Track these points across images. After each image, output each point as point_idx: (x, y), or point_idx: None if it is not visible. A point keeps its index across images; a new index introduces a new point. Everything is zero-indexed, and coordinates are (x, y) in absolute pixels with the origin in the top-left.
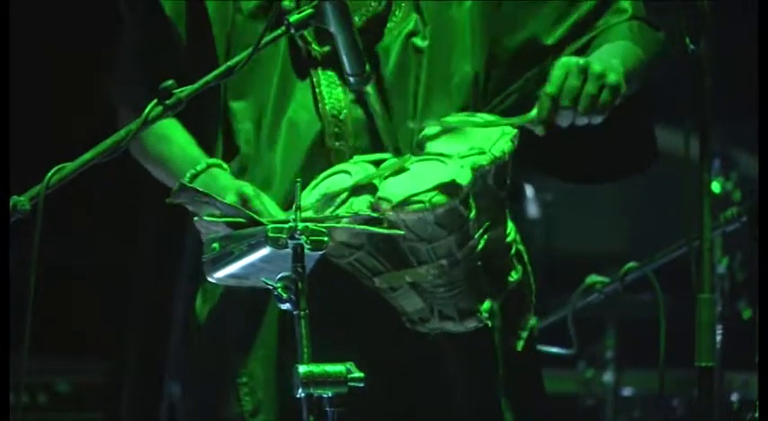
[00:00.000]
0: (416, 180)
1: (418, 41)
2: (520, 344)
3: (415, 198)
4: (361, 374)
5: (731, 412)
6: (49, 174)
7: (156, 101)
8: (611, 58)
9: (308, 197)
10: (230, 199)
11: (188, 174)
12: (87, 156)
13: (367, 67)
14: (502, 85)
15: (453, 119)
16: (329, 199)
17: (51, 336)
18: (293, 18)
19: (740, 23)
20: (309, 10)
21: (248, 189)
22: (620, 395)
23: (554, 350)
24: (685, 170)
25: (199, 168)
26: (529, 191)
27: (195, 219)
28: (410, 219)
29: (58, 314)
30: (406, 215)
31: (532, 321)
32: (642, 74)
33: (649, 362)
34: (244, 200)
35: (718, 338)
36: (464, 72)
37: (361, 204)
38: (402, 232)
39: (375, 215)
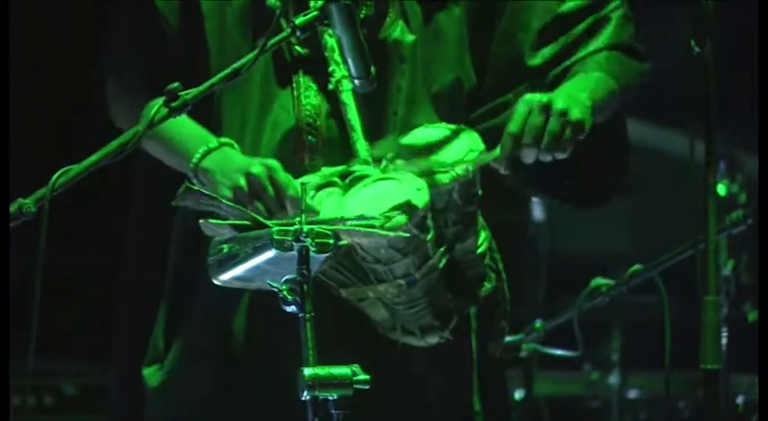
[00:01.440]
0: (374, 201)
1: (402, 48)
2: (496, 350)
3: (369, 221)
4: (367, 377)
5: (737, 415)
6: (55, 176)
7: (161, 103)
8: (579, 91)
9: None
10: (258, 170)
11: (200, 151)
12: (93, 158)
13: (372, 69)
14: (492, 94)
15: (420, 162)
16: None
17: (57, 339)
18: (299, 20)
19: (748, 24)
20: (315, 12)
21: (272, 162)
22: (625, 397)
23: (559, 352)
24: (691, 173)
25: (211, 145)
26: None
27: (201, 221)
28: (363, 242)
29: (65, 316)
30: (359, 238)
31: (537, 325)
32: (612, 104)
33: (655, 364)
34: (270, 171)
35: (724, 341)
36: (446, 80)
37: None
38: (406, 234)
39: (380, 218)
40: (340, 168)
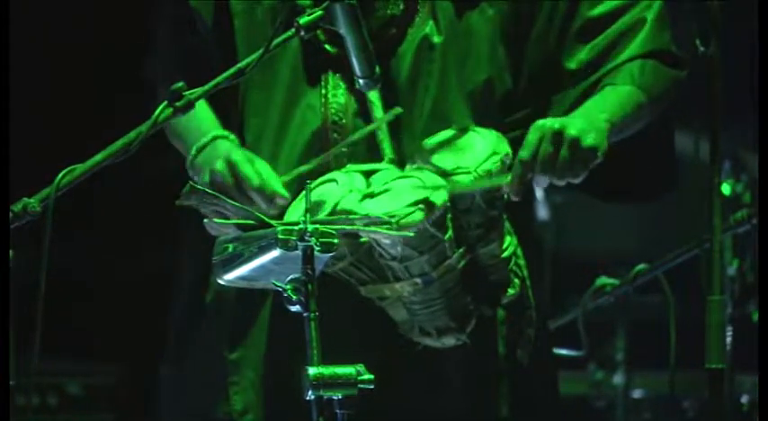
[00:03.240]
0: (393, 198)
1: (432, 48)
2: (524, 358)
3: (382, 218)
4: (371, 376)
5: (741, 414)
6: (59, 175)
7: (165, 102)
8: (598, 112)
9: (300, 205)
10: (219, 166)
11: (194, 148)
12: (98, 157)
13: (377, 69)
14: (530, 98)
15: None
16: (316, 208)
17: (62, 338)
18: (303, 20)
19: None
20: (319, 12)
21: (237, 155)
22: (630, 397)
23: (564, 352)
24: (696, 172)
25: (204, 141)
26: (539, 193)
27: (205, 220)
28: (379, 239)
29: (69, 315)
30: (375, 235)
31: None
32: (641, 118)
33: (660, 363)
34: (231, 166)
35: (729, 340)
36: (478, 80)
37: (344, 194)
38: (411, 234)
39: (387, 218)
40: (365, 166)
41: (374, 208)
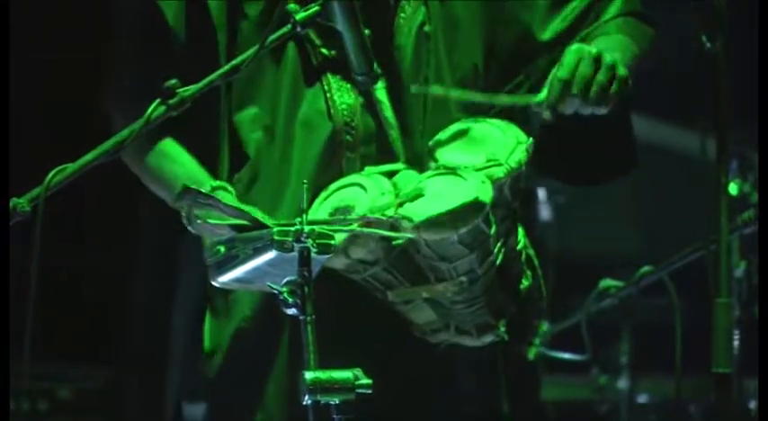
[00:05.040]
0: (437, 198)
1: (428, 37)
2: (532, 352)
3: (438, 218)
4: (369, 381)
5: (749, 419)
6: (50, 175)
7: (158, 100)
8: (612, 51)
9: (320, 209)
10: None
11: None
12: (89, 156)
13: (375, 66)
14: (500, 82)
15: (456, 93)
16: (342, 213)
17: (52, 343)
18: (300, 16)
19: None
20: (316, 7)
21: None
22: (635, 402)
23: (567, 356)
24: (702, 171)
25: (203, 191)
26: (541, 193)
27: (199, 221)
28: (432, 239)
29: (59, 320)
30: (428, 235)
31: (544, 327)
32: (635, 68)
33: (665, 368)
34: None
35: (736, 344)
36: (466, 67)
37: (375, 198)
38: (412, 235)
39: (383, 218)
40: (384, 167)
41: (416, 207)
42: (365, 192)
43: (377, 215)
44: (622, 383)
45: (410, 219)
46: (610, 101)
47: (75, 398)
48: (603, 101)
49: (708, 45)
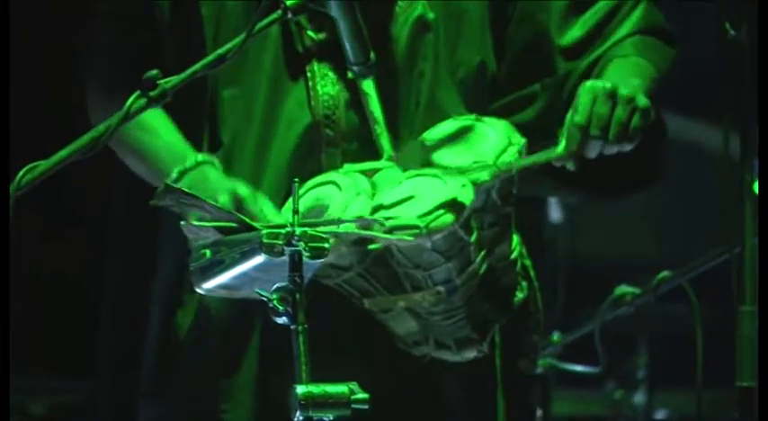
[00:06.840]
0: (413, 200)
1: (428, 28)
2: (529, 368)
3: (410, 222)
4: (366, 395)
5: None
6: (20, 173)
7: (138, 92)
8: (630, 77)
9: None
10: (223, 200)
11: (175, 171)
12: (63, 153)
13: (371, 55)
14: (511, 86)
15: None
16: (317, 213)
17: (24, 356)
18: (290, 1)
19: None
20: None
21: (243, 189)
22: (652, 418)
23: (579, 368)
24: (725, 170)
25: (188, 165)
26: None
27: (182, 223)
28: (403, 245)
29: (32, 332)
30: (399, 240)
31: (554, 337)
32: (655, 91)
33: (685, 381)
34: (238, 201)
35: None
36: (472, 63)
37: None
38: (410, 238)
39: (380, 219)
40: (365, 165)
41: (391, 213)
42: (339, 192)
43: (349, 218)
44: (639, 398)
45: (381, 224)
46: (633, 135)
47: (50, 414)
48: (626, 138)
49: (731, 32)
